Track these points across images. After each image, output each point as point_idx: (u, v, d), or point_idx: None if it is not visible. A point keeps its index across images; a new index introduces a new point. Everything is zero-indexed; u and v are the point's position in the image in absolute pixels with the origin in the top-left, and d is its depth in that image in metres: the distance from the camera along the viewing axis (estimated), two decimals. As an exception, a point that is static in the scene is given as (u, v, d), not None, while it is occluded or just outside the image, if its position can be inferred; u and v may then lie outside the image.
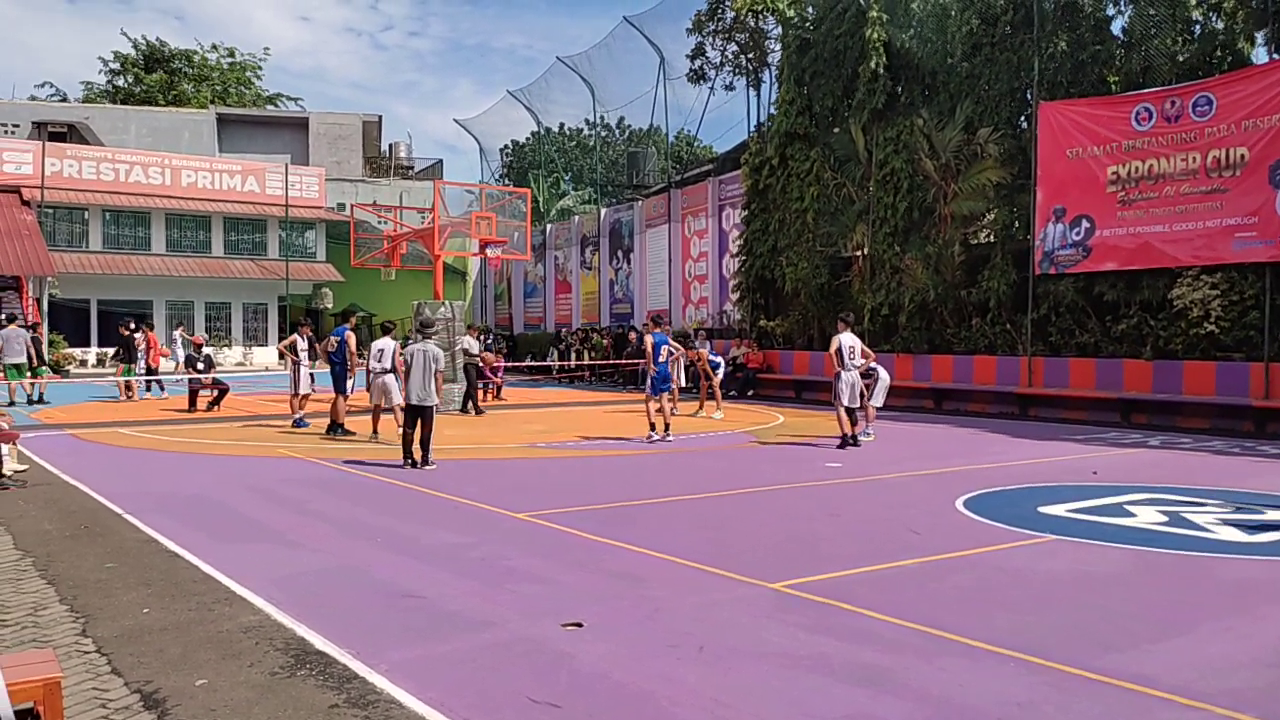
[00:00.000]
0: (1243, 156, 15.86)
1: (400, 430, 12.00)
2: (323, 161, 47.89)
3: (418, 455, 11.56)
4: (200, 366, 19.62)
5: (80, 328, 36.29)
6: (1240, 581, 6.16)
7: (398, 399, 13.47)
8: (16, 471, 10.46)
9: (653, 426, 14.36)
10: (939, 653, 4.77)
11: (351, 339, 15.24)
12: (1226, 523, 7.96)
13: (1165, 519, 8.12)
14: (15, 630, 5.21)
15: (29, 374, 21.15)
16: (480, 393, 22.20)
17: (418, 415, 11.56)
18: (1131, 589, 6.03)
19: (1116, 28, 18.69)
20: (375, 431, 14.46)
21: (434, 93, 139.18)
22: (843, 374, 13.52)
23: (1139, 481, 10.27)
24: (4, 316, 22.55)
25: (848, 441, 13.39)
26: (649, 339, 14.85)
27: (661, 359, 14.59)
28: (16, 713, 3.32)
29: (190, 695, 4.28)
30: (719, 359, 19.54)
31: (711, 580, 6.22)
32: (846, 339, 13.65)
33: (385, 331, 14.45)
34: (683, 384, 18.29)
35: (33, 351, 21.30)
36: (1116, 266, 17.49)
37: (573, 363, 31.14)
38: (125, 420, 17.21)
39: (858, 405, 13.69)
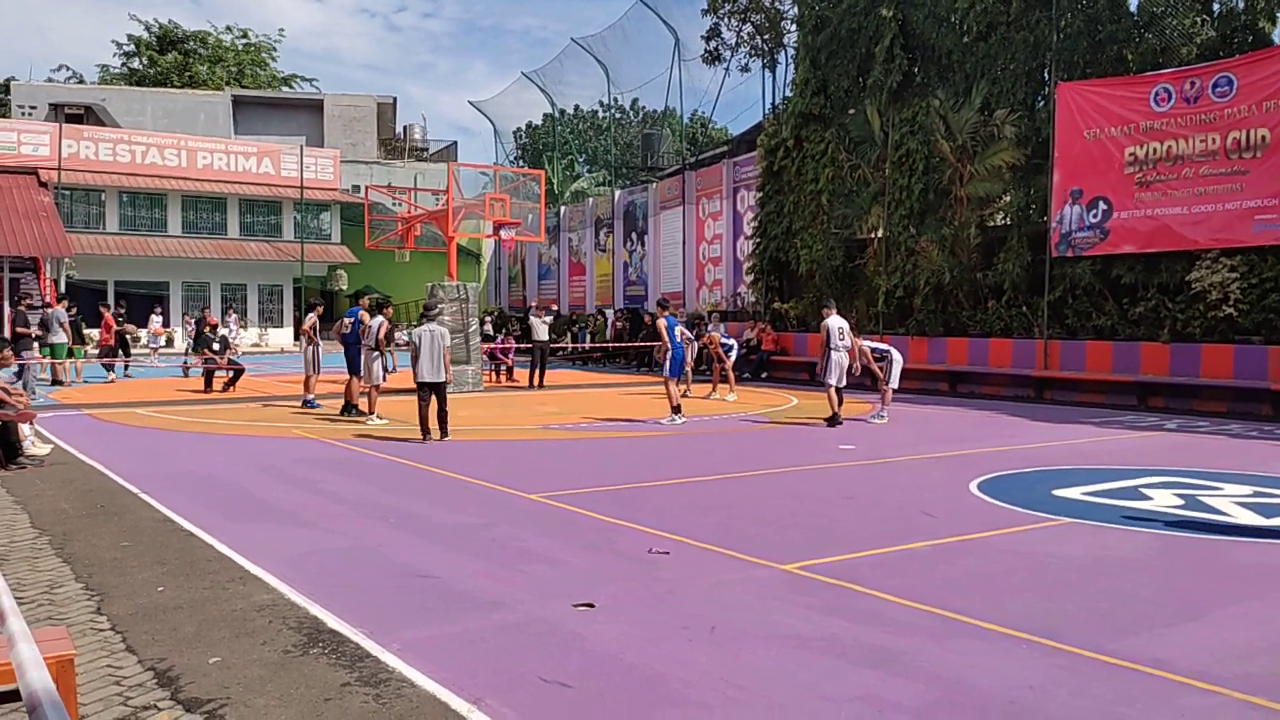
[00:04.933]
0: (1264, 138, 15.66)
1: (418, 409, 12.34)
2: (337, 143, 47.93)
3: (435, 429, 12.11)
4: (216, 347, 19.71)
5: (97, 309, 36.46)
6: (1257, 566, 6.11)
7: (377, 378, 14.46)
8: (39, 455, 10.48)
9: (675, 409, 14.35)
10: (951, 635, 4.75)
11: (376, 323, 14.83)
12: (1244, 506, 7.90)
13: (1182, 502, 8.07)
14: (31, 608, 5.25)
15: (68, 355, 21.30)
16: (490, 374, 22.46)
17: (432, 391, 12.11)
18: (1147, 573, 5.99)
19: (1134, 5, 18.45)
20: (372, 411, 14.50)
21: (448, 74, 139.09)
22: (832, 354, 13.98)
23: (1155, 465, 10.20)
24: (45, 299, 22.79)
25: (836, 421, 13.78)
26: (661, 322, 14.88)
27: (678, 340, 14.71)
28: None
29: (203, 673, 4.30)
30: (731, 341, 19.52)
31: (723, 562, 6.21)
32: (835, 322, 14.20)
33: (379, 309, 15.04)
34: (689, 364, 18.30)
35: (69, 332, 21.40)
36: (1134, 249, 17.34)
37: (587, 344, 31.19)
38: (142, 401, 17.32)
39: (844, 384, 14.21)
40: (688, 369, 18.02)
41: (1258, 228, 15.72)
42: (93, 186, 37.81)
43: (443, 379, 12.12)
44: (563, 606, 5.23)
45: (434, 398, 12.14)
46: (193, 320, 26.02)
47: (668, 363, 14.65)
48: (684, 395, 17.54)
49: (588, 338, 31.97)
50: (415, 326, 12.69)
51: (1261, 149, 15.70)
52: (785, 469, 10.19)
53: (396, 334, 16.11)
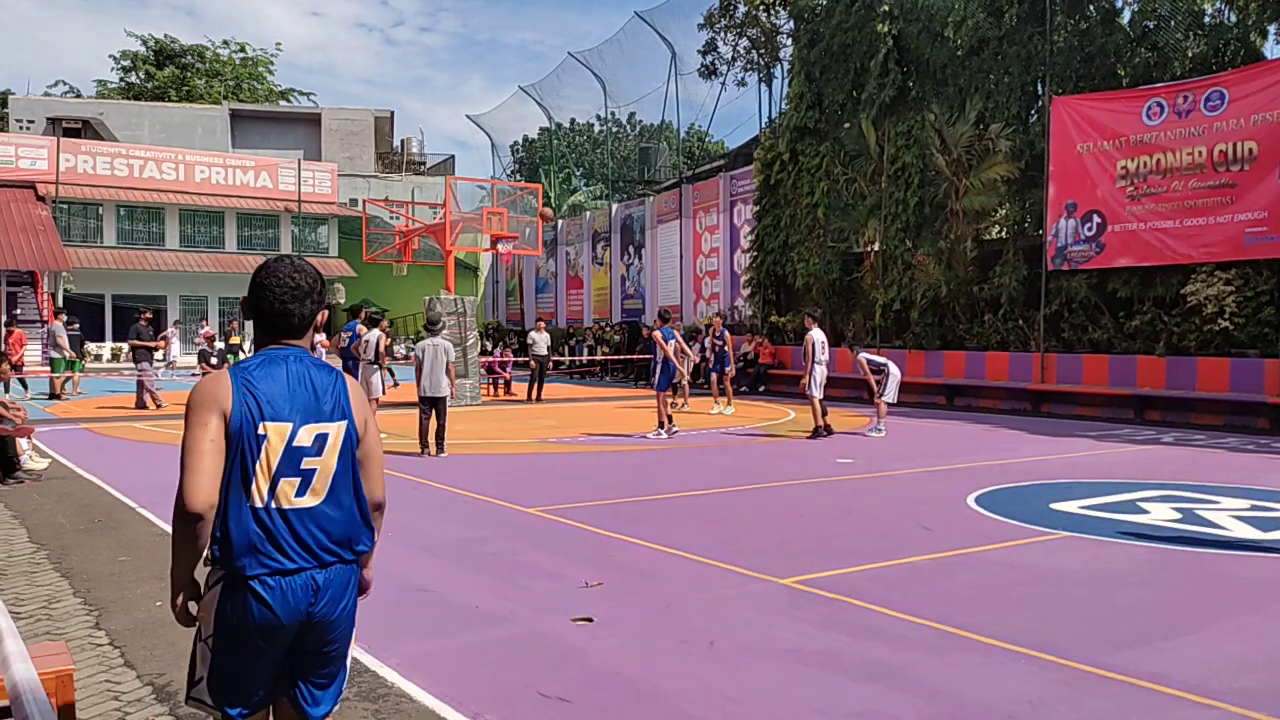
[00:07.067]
0: (1251, 150, 15.75)
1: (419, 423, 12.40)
2: (335, 157, 47.99)
3: (433, 444, 12.10)
4: (214, 361, 19.71)
5: (95, 322, 36.49)
6: (1254, 579, 6.12)
7: (376, 392, 14.33)
8: (37, 470, 10.47)
9: (661, 424, 14.33)
10: (950, 649, 4.75)
11: (373, 337, 14.82)
12: (1241, 520, 7.92)
13: (1179, 516, 8.08)
14: (29, 623, 5.24)
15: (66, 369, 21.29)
16: (487, 388, 22.49)
17: (432, 406, 12.14)
18: (1144, 586, 6.00)
19: (1126, 19, 18.58)
20: None
21: (445, 88, 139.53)
22: (816, 368, 14.23)
23: (1152, 478, 10.22)
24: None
25: (821, 432, 14.05)
26: (658, 334, 14.80)
27: (659, 356, 14.67)
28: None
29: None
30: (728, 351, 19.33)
31: (722, 576, 6.22)
32: (819, 335, 14.49)
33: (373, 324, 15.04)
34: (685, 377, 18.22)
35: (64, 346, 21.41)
36: (1130, 263, 17.40)
37: (584, 358, 31.20)
38: (140, 415, 17.30)
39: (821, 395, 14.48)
40: (684, 382, 18.03)
41: (1249, 240, 15.79)
42: (90, 200, 37.85)
43: (443, 394, 12.12)
44: (561, 621, 5.23)
45: (434, 412, 12.15)
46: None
47: (658, 376, 14.58)
48: (681, 409, 17.60)
49: (584, 351, 31.98)
50: (420, 340, 12.75)
51: (1249, 162, 15.79)
52: (783, 482, 10.20)
53: (395, 346, 16.12)
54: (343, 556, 2.67)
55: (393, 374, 14.90)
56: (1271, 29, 16.98)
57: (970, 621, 5.17)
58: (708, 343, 19.49)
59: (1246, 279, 15.92)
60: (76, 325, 23.68)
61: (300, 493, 2.59)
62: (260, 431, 2.54)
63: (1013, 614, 5.37)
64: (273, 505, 2.56)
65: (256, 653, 2.58)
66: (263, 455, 2.55)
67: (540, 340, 21.67)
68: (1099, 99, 17.96)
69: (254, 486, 2.54)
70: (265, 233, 41.46)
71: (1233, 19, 17.25)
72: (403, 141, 55.95)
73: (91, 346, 34.71)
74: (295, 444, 2.58)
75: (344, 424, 2.67)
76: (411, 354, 12.65)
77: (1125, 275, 17.57)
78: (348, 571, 2.71)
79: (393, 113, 53.69)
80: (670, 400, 14.53)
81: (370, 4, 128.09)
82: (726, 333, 18.75)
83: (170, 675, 4.45)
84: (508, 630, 5.11)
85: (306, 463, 2.60)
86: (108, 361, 35.33)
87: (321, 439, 2.63)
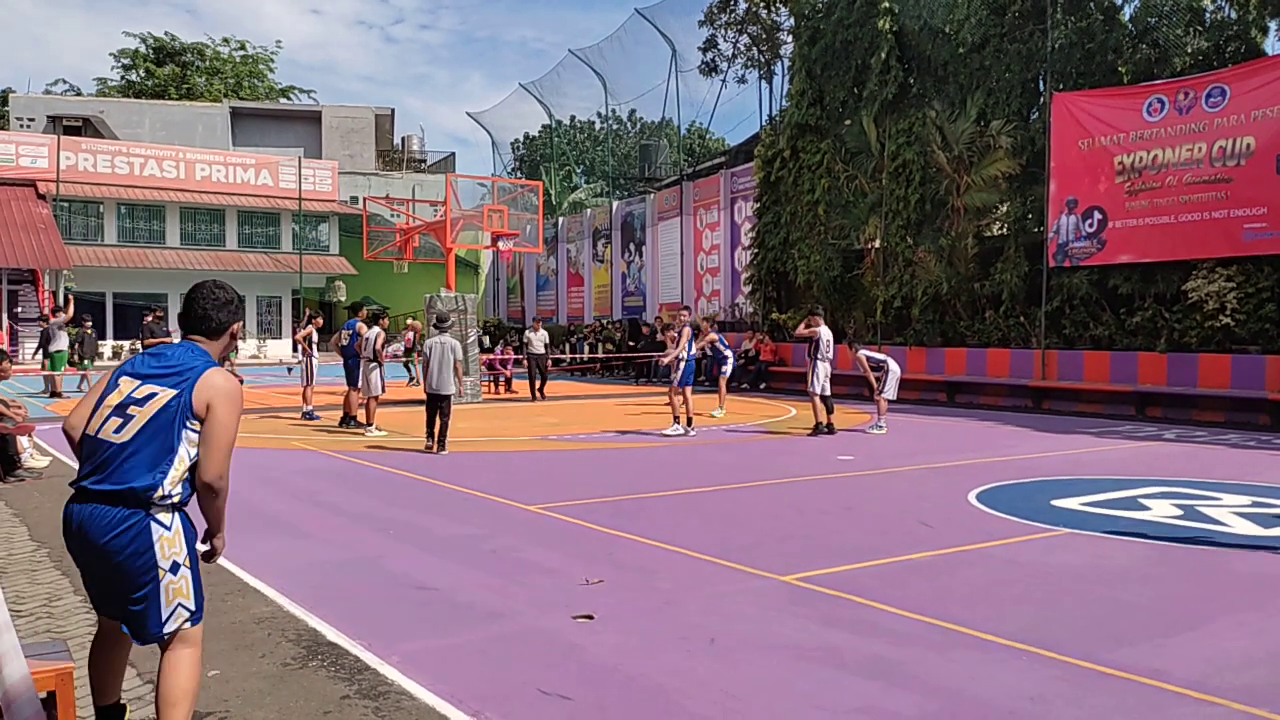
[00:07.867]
0: (1248, 145, 15.74)
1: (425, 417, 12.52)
2: (335, 155, 47.96)
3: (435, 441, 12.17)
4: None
5: (96, 321, 36.44)
6: (1256, 576, 6.11)
7: (376, 390, 14.48)
8: (38, 468, 10.48)
9: (676, 419, 14.19)
10: (950, 646, 4.75)
11: (368, 332, 14.86)
12: (1242, 517, 7.91)
13: (1180, 513, 8.07)
14: (30, 620, 5.24)
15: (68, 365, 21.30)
16: (488, 385, 22.51)
17: (437, 403, 12.18)
18: (1145, 583, 5.99)
19: (1127, 16, 18.57)
20: (370, 422, 14.46)
21: (445, 86, 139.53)
22: (819, 364, 14.12)
23: (1153, 475, 10.21)
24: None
25: (822, 429, 13.96)
26: (687, 329, 14.48)
27: (694, 351, 14.49)
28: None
29: (203, 686, 4.28)
30: (728, 352, 19.22)
31: (722, 573, 6.22)
32: (825, 332, 14.34)
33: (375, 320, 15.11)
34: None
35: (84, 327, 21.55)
36: (1131, 259, 17.39)
37: (585, 355, 31.21)
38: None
39: (830, 394, 14.34)
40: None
41: (1249, 237, 15.78)
42: (91, 198, 37.83)
43: (446, 391, 12.13)
44: (562, 618, 5.23)
45: (438, 410, 12.12)
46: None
47: (679, 372, 14.23)
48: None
49: (585, 348, 32.00)
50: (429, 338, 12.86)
51: (1246, 157, 15.77)
52: (784, 480, 10.19)
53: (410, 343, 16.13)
54: (126, 497, 3.26)
55: (409, 370, 14.83)
56: (1272, 25, 17.01)
57: (971, 618, 5.16)
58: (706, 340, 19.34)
59: (1248, 275, 15.91)
60: (89, 323, 23.66)
61: (118, 430, 3.31)
62: (119, 382, 3.42)
63: (1013, 610, 5.36)
64: (99, 435, 3.33)
65: (77, 560, 3.39)
66: (111, 396, 3.39)
67: (536, 340, 21.54)
68: (1100, 95, 17.94)
69: (95, 416, 3.37)
70: (266, 230, 41.45)
71: (1233, 15, 17.23)
72: (403, 139, 55.93)
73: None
74: (134, 394, 3.36)
75: (175, 392, 3.35)
76: (416, 352, 12.69)
77: (1126, 271, 17.56)
78: (132, 515, 3.27)
79: (393, 110, 53.71)
80: (684, 398, 14.23)
81: (370, 1, 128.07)
82: (704, 324, 18.10)
83: (170, 673, 4.44)
84: (508, 627, 5.11)
85: (131, 409, 3.33)
86: (109, 359, 35.29)
87: (151, 395, 3.34)
